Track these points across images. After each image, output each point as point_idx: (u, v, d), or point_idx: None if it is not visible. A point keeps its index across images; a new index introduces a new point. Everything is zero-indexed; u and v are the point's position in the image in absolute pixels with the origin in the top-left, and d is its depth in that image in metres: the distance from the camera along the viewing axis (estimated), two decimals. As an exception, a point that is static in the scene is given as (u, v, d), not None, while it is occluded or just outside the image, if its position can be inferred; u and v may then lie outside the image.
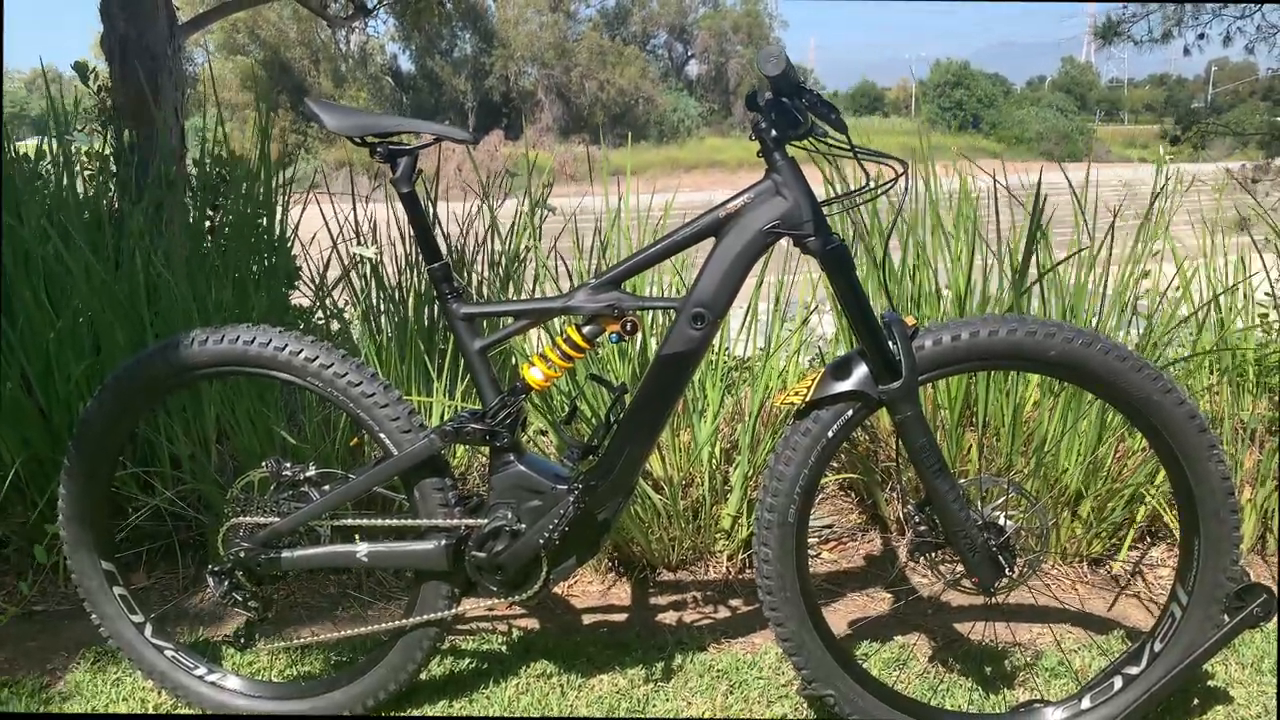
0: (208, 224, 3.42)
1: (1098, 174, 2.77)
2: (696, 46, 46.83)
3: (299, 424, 2.53)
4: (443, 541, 1.76)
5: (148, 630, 1.92)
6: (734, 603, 2.39)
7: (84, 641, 2.18)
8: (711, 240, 1.63)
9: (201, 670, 1.92)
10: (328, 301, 2.80)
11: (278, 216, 2.90)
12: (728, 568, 2.50)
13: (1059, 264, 2.44)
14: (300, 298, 2.97)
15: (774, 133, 1.55)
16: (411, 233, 1.72)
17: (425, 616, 1.80)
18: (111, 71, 4.16)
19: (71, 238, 2.44)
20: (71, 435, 1.83)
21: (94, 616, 1.91)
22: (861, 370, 1.60)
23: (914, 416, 1.58)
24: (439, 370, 2.55)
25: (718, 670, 2.05)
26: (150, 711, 1.93)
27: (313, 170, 2.97)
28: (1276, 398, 2.68)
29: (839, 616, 2.29)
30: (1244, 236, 2.90)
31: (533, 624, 2.29)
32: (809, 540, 1.90)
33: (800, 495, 1.65)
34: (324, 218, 2.94)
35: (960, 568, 1.71)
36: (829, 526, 2.72)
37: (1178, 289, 2.67)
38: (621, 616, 2.35)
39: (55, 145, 2.89)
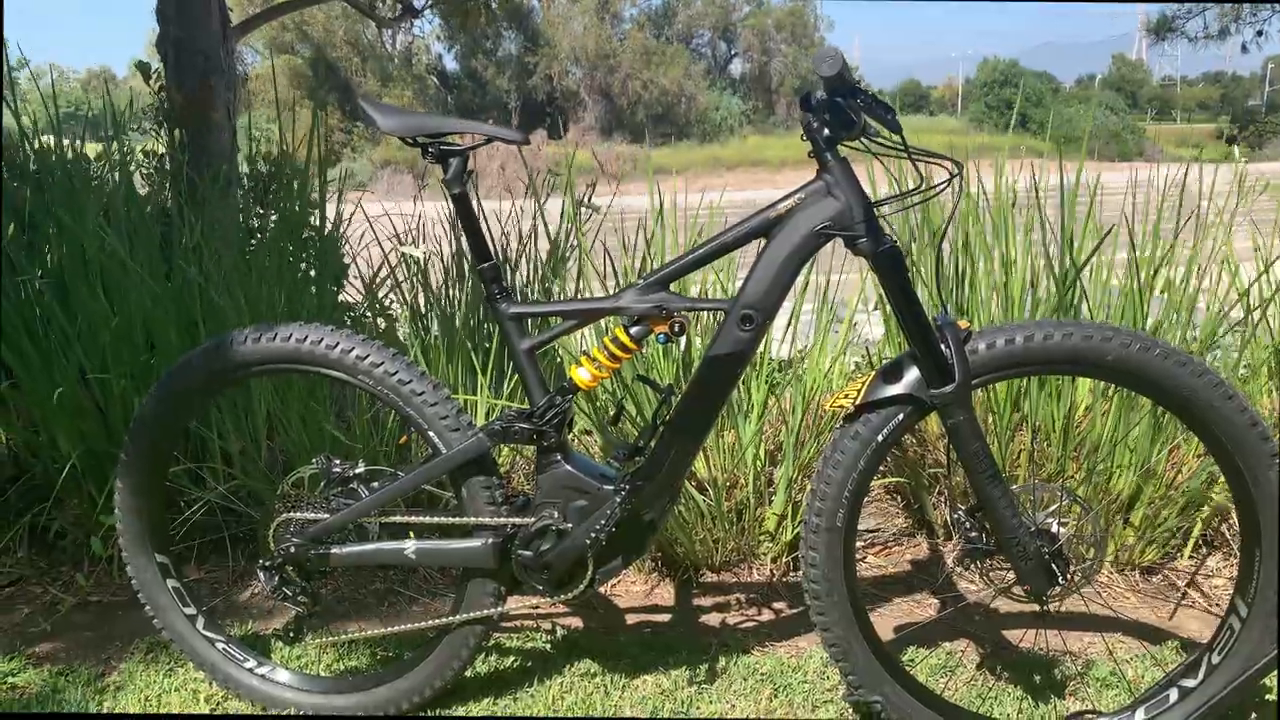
0: (256, 223, 3.47)
1: (1150, 173, 2.72)
2: (740, 45, 46.65)
3: (347, 421, 2.56)
4: (490, 540, 1.77)
5: (200, 623, 1.95)
6: (778, 605, 2.38)
7: (138, 632, 2.22)
8: (761, 241, 1.62)
9: (251, 663, 1.94)
10: (376, 301, 2.82)
11: (327, 215, 2.94)
12: (771, 570, 2.49)
13: (1089, 258, 2.40)
14: (348, 296, 3.01)
15: (826, 132, 1.54)
16: (462, 232, 1.72)
17: (471, 614, 1.82)
18: (166, 72, 4.24)
19: (130, 237, 2.49)
20: (128, 430, 1.86)
21: (148, 608, 1.94)
22: (913, 373, 1.58)
23: (966, 421, 1.56)
24: (484, 369, 2.56)
25: (762, 673, 2.04)
26: (194, 710, 1.97)
27: (360, 170, 3.00)
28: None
29: (885, 621, 2.26)
30: None
31: (576, 623, 2.29)
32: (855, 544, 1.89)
33: (849, 499, 1.64)
34: (367, 218, 2.97)
35: (1011, 575, 1.69)
36: (875, 530, 2.70)
37: (1238, 292, 2.61)
38: (665, 617, 2.35)
39: (113, 145, 2.95)
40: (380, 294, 2.89)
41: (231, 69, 4.47)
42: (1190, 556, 2.43)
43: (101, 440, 2.45)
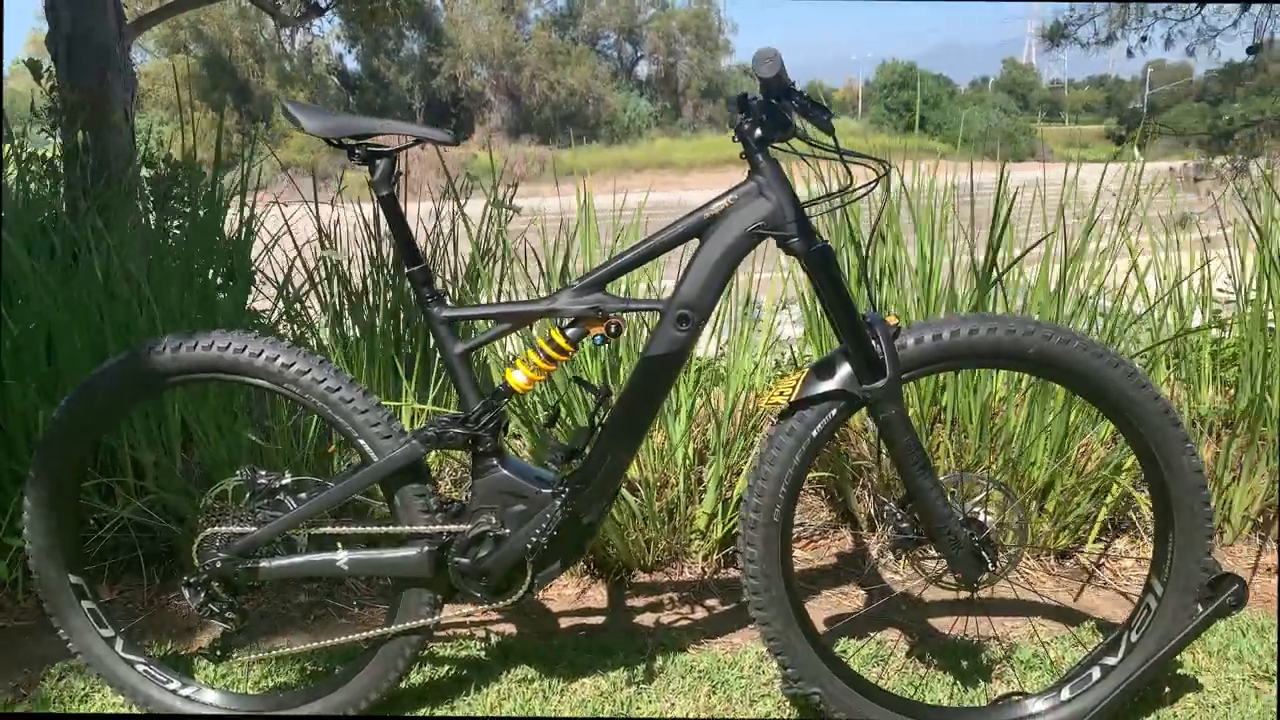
0: (156, 227, 3.34)
1: (1043, 173, 2.82)
2: (646, 47, 46.90)
3: (266, 430, 2.48)
4: (425, 548, 1.74)
5: (119, 645, 1.87)
6: (711, 603, 2.40)
7: (48, 657, 2.11)
8: (695, 241, 1.63)
9: (175, 684, 1.87)
10: (291, 306, 2.74)
11: (232, 219, 2.84)
12: (703, 568, 2.51)
13: (1019, 258, 2.49)
14: (259, 302, 2.92)
15: (758, 133, 1.56)
16: (390, 236, 1.69)
17: (407, 624, 1.78)
18: (58, 71, 4.05)
19: (27, 242, 2.37)
20: (36, 444, 1.77)
21: (61, 632, 1.86)
22: (845, 370, 1.62)
23: (898, 415, 1.60)
24: (408, 374, 2.52)
25: (699, 671, 2.05)
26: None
27: (260, 171, 2.91)
28: (1231, 391, 2.75)
29: (815, 614, 2.28)
30: (1192, 234, 2.97)
31: (510, 629, 2.27)
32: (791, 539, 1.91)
33: (785, 494, 1.66)
34: (285, 220, 2.89)
35: (941, 564, 1.74)
36: (800, 525, 2.74)
37: (1134, 286, 2.73)
38: (599, 619, 2.35)
39: (4, 148, 2.81)
40: (289, 302, 2.81)
41: (129, 67, 4.31)
42: (1098, 540, 2.53)
43: (1, 457, 2.33)
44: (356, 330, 2.66)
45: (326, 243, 2.55)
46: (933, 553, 1.75)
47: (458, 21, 42.09)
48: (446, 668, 2.08)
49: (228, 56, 37.08)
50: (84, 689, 1.99)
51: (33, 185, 2.95)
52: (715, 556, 2.51)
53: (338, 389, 1.71)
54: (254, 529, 1.74)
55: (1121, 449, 2.44)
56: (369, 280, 2.65)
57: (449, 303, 1.74)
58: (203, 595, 1.76)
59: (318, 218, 2.81)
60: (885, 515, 1.73)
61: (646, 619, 2.33)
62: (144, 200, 3.44)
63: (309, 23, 5.17)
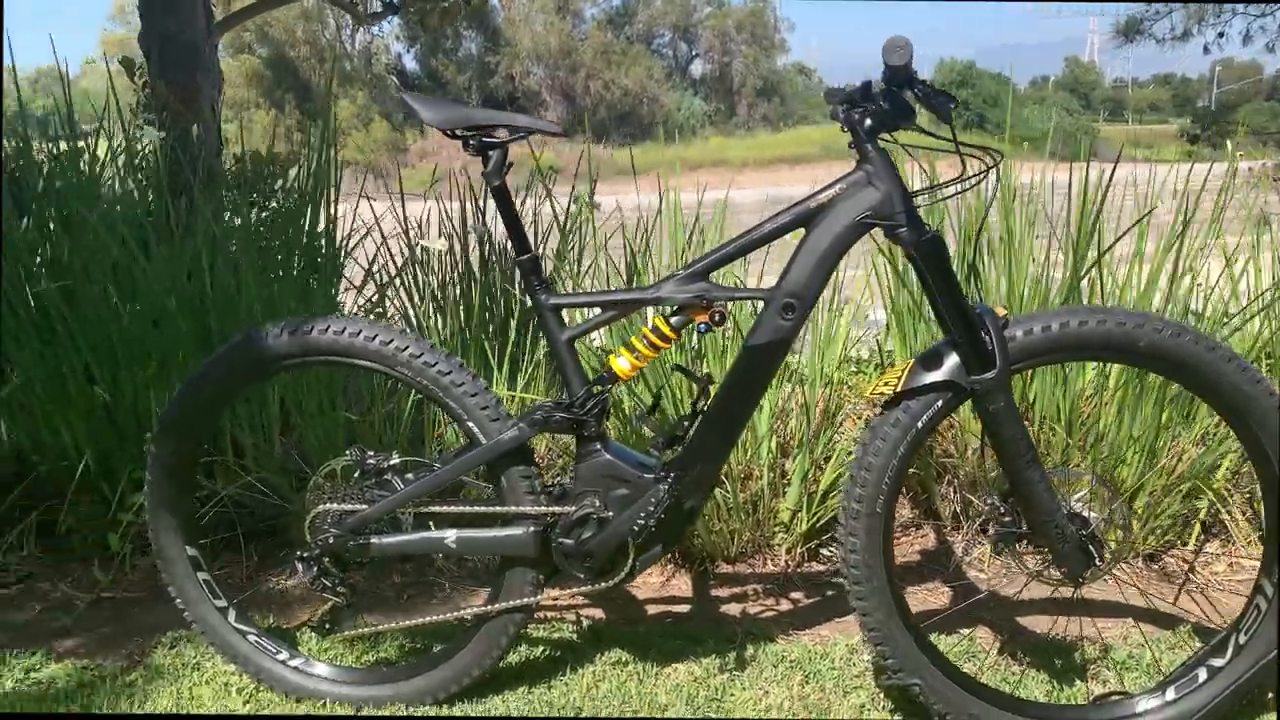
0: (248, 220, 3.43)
1: (1110, 173, 2.76)
2: (701, 46, 46.82)
3: (359, 414, 2.55)
4: (531, 528, 1.78)
5: (231, 615, 1.94)
6: (795, 595, 2.41)
7: (158, 627, 2.20)
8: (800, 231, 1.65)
9: (284, 655, 1.94)
10: (383, 296, 2.81)
11: (324, 213, 2.91)
12: (786, 561, 2.52)
13: (1110, 246, 2.46)
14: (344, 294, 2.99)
15: (869, 123, 1.57)
16: (502, 225, 1.73)
17: (511, 602, 1.83)
18: (149, 69, 4.18)
19: (143, 236, 2.47)
20: (158, 422, 1.85)
21: (178, 601, 1.93)
22: (953, 360, 1.62)
23: (1006, 406, 1.60)
24: (499, 362, 2.57)
25: (790, 660, 2.07)
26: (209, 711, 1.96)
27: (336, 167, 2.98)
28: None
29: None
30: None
31: (598, 614, 2.31)
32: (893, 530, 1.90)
33: (889, 485, 1.67)
34: (374, 214, 2.97)
35: (1043, 559, 1.74)
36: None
37: (1226, 284, 2.68)
38: (684, 608, 2.37)
39: (110, 143, 2.90)
40: (383, 290, 2.87)
41: (216, 65, 4.42)
42: (1186, 543, 2.50)
43: (111, 438, 2.42)
44: (445, 319, 2.72)
45: (425, 235, 2.61)
46: (1033, 548, 1.75)
47: (515, 21, 42.41)
48: (541, 649, 2.12)
49: (291, 57, 37.74)
50: (194, 657, 2.06)
51: (129, 180, 3.04)
52: (798, 550, 2.53)
53: (448, 372, 1.76)
54: (365, 507, 1.79)
55: (1215, 450, 2.41)
56: (459, 270, 2.71)
57: (556, 291, 1.77)
58: (315, 570, 1.82)
59: (404, 211, 2.88)
60: (986, 509, 1.73)
61: (732, 609, 2.35)
62: (231, 193, 3.54)
63: (383, 21, 5.26)
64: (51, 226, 2.64)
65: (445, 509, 1.83)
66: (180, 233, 2.79)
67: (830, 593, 2.42)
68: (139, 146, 3.27)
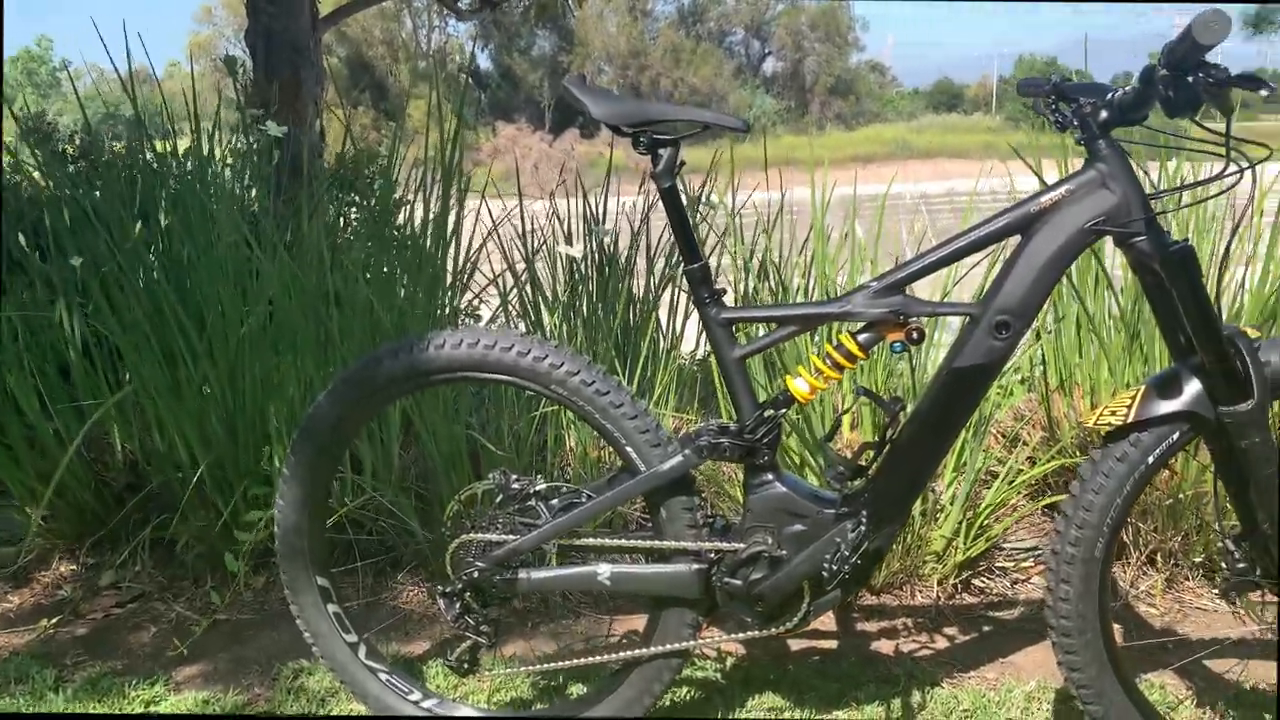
0: (351, 221, 3.34)
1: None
2: (774, 43, 46.38)
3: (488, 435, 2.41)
4: (693, 566, 1.61)
5: (361, 651, 1.80)
6: (949, 631, 2.21)
7: (273, 655, 2.09)
8: (1017, 238, 1.45)
9: (416, 695, 1.79)
10: (506, 303, 2.68)
11: (451, 216, 2.78)
12: (938, 593, 2.32)
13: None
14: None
15: (1103, 115, 1.37)
16: (670, 231, 1.57)
17: (667, 646, 1.66)
18: (255, 65, 4.12)
19: (261, 237, 2.36)
20: (296, 435, 1.71)
21: (307, 635, 1.80)
22: (1194, 388, 1.41)
23: (1263, 443, 1.38)
24: (629, 376, 2.41)
25: (963, 710, 1.87)
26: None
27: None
28: None
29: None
30: None
31: (737, 649, 2.13)
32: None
33: (1110, 527, 1.47)
34: (489, 217, 2.84)
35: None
36: (1033, 549, 2.52)
37: None
38: (830, 643, 2.18)
39: (211, 141, 2.81)
40: (505, 299, 2.74)
41: (320, 61, 4.35)
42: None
43: (229, 449, 2.31)
44: (573, 328, 2.57)
45: (563, 238, 2.46)
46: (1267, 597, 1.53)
47: (586, 20, 42.47)
48: (684, 689, 1.95)
49: (368, 55, 38.27)
50: (319, 690, 1.94)
51: (244, 177, 2.96)
52: (951, 581, 2.32)
53: (606, 392, 1.59)
54: (514, 537, 1.64)
55: None
56: (589, 278, 2.56)
57: (727, 304, 1.60)
58: (458, 606, 1.67)
59: (521, 214, 2.74)
60: (1221, 553, 1.51)
61: (883, 646, 2.16)
62: (334, 194, 3.44)
63: (479, 16, 5.17)
64: (163, 223, 2.55)
65: (596, 541, 1.67)
66: (291, 232, 2.69)
67: (988, 628, 2.23)
68: (252, 144, 3.19)
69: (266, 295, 2.29)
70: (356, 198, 3.52)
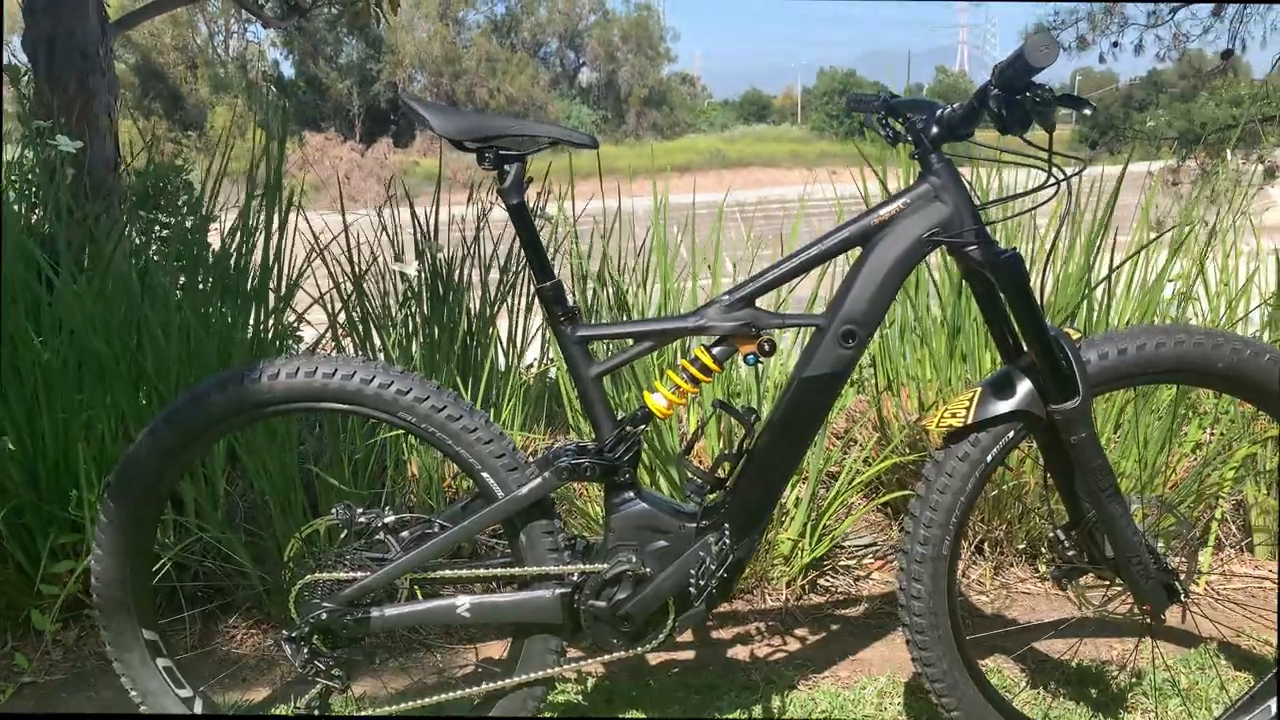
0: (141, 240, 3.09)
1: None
2: (587, 55, 46.76)
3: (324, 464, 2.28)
4: (556, 590, 1.58)
5: (198, 706, 1.66)
6: (800, 632, 2.27)
7: (92, 714, 1.90)
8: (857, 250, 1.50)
9: (262, 749, 1.68)
10: (335, 323, 2.55)
11: (263, 235, 2.62)
12: (787, 595, 2.37)
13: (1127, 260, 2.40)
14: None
15: (934, 131, 1.44)
16: (520, 249, 1.52)
17: (531, 675, 1.61)
18: (36, 74, 3.78)
19: (58, 260, 2.15)
20: (111, 478, 1.56)
21: (134, 694, 1.64)
22: (1025, 388, 1.49)
23: (1089, 437, 1.47)
24: (472, 396, 2.34)
25: (820, 711, 1.92)
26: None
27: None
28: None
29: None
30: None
31: (598, 669, 2.10)
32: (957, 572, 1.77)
33: (955, 525, 1.54)
34: (310, 231, 2.69)
35: (1103, 592, 1.63)
36: (871, 545, 2.62)
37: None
38: (688, 653, 2.19)
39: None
40: (334, 320, 2.60)
41: (112, 68, 4.04)
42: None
43: (29, 496, 2.09)
44: (410, 350, 2.47)
45: (400, 256, 2.36)
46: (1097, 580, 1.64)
47: (397, 28, 41.49)
48: (548, 716, 1.91)
49: (158, 63, 35.97)
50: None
51: (19, 199, 2.68)
52: (799, 583, 2.38)
53: (458, 417, 1.54)
54: (363, 574, 1.55)
55: (1214, 460, 2.37)
56: (421, 297, 2.47)
57: (585, 321, 1.57)
58: (306, 651, 1.56)
59: (345, 228, 2.62)
60: (1051, 542, 1.60)
61: (739, 652, 2.19)
62: (130, 210, 3.18)
63: (291, 23, 4.93)
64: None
65: (452, 572, 1.61)
66: (86, 260, 2.46)
67: (835, 626, 2.30)
68: (41, 159, 2.91)
69: (67, 326, 2.08)
70: (160, 215, 3.28)
